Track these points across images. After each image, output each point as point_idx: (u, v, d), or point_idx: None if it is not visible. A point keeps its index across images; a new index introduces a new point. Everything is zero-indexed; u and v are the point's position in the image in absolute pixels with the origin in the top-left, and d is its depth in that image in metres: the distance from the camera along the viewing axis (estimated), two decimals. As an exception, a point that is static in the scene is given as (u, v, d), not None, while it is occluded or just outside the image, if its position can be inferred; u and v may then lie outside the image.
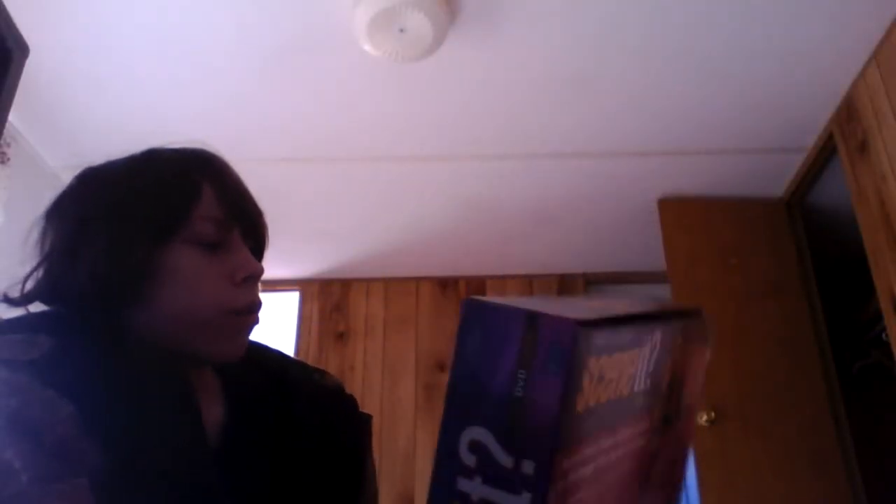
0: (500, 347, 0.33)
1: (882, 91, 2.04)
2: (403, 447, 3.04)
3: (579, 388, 0.33)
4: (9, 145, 2.23)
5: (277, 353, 0.85)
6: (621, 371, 0.37)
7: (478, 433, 0.33)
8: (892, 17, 1.95)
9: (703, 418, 2.42)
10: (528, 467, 0.32)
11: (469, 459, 0.33)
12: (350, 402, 0.84)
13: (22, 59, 1.59)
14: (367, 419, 0.83)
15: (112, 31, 1.98)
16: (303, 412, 0.78)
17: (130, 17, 1.93)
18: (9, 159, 2.22)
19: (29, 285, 0.72)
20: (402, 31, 1.88)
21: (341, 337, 3.28)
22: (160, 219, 0.70)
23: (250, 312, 0.73)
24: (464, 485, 0.34)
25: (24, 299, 0.72)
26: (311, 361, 3.19)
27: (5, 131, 1.84)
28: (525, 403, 0.32)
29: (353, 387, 3.17)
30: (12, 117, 2.00)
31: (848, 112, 2.24)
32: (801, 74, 2.17)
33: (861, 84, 2.15)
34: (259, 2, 1.89)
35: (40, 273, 0.72)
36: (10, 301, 0.72)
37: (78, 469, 0.57)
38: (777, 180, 2.70)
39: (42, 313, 0.71)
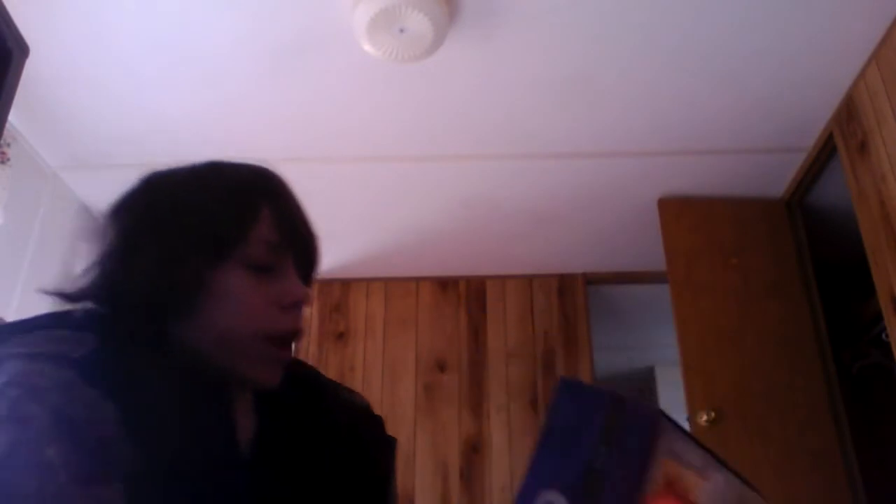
0: (587, 423, 0.36)
1: (882, 91, 2.04)
2: (403, 447, 3.04)
3: (653, 477, 0.35)
4: (9, 145, 2.23)
5: (312, 369, 0.86)
6: (687, 488, 0.39)
7: (553, 497, 0.35)
8: (892, 17, 1.95)
9: (702, 418, 2.42)
10: None
11: None
12: (379, 422, 0.85)
13: (22, 59, 1.59)
14: (393, 441, 0.84)
15: (112, 32, 1.98)
16: (334, 428, 0.78)
17: (130, 18, 1.93)
18: (9, 159, 2.22)
19: (83, 282, 0.71)
20: (402, 31, 1.88)
21: (341, 337, 3.28)
22: (218, 237, 0.70)
23: (291, 339, 0.73)
24: None
25: (80, 296, 0.71)
26: (311, 361, 3.19)
27: (5, 131, 1.84)
28: (603, 476, 0.35)
29: (353, 387, 3.15)
30: (12, 117, 2.00)
31: (848, 112, 2.24)
32: (801, 74, 2.17)
33: (861, 84, 2.15)
34: (259, 2, 1.89)
35: (96, 272, 0.71)
36: (65, 296, 0.72)
37: (115, 473, 0.57)
38: (777, 180, 2.70)
39: (88, 312, 0.70)
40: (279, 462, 0.73)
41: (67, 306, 0.72)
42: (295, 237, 0.74)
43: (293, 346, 0.74)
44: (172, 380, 0.66)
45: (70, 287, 0.72)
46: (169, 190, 0.75)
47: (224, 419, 0.69)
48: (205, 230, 0.71)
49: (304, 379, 0.82)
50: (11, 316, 2.29)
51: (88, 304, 0.71)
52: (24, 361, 0.62)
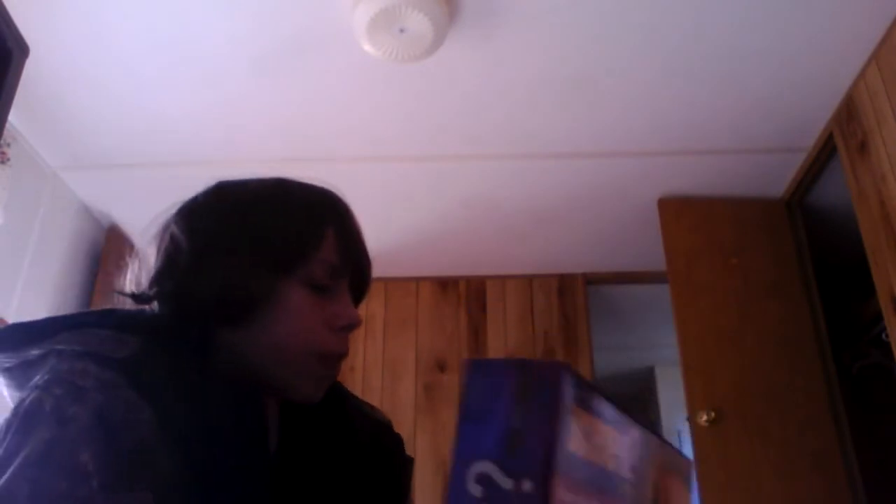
0: (499, 391, 0.39)
1: (882, 91, 2.04)
2: (403, 447, 3.04)
3: (569, 429, 0.38)
4: (9, 145, 2.23)
5: (336, 383, 0.87)
6: (605, 442, 0.43)
7: (483, 466, 0.37)
8: (892, 17, 1.95)
9: (703, 418, 2.42)
10: (527, 486, 0.36)
11: (476, 490, 0.37)
12: (399, 440, 0.86)
13: (22, 59, 1.59)
14: (412, 461, 0.86)
15: (112, 32, 1.98)
16: (358, 442, 0.80)
17: (130, 17, 1.93)
18: (9, 159, 2.22)
19: (153, 286, 0.73)
20: (402, 31, 1.88)
21: (341, 337, 3.28)
22: (284, 254, 0.73)
23: (339, 360, 0.75)
24: None
25: (149, 298, 0.73)
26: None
27: (5, 131, 1.84)
28: (522, 432, 0.37)
29: (353, 387, 3.15)
30: (12, 117, 2.00)
31: (848, 112, 2.24)
32: (801, 74, 2.17)
33: (861, 84, 2.14)
34: (259, 2, 1.89)
35: (165, 275, 0.73)
36: (139, 298, 0.74)
37: (147, 480, 0.58)
38: (777, 180, 2.70)
39: (129, 312, 0.72)
40: (303, 472, 0.74)
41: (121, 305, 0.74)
42: (353, 261, 0.76)
43: (339, 367, 0.76)
44: (212, 386, 0.67)
45: (139, 289, 0.74)
46: (241, 203, 0.77)
47: (260, 427, 0.70)
48: (274, 245, 0.73)
49: (330, 391, 0.83)
50: (11, 316, 2.29)
51: (152, 306, 0.73)
52: (69, 359, 0.63)
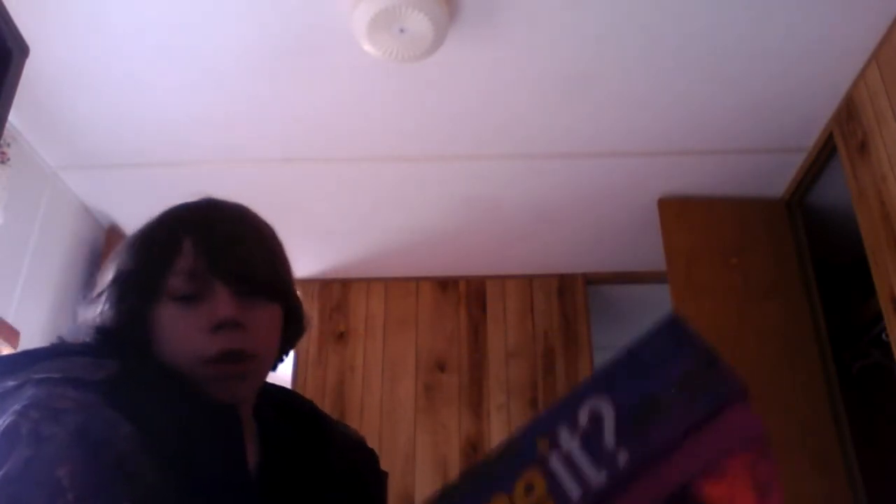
0: (672, 362, 0.35)
1: (882, 91, 2.04)
2: (403, 447, 3.04)
3: (712, 445, 0.34)
4: (9, 145, 2.23)
5: (309, 402, 0.89)
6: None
7: (604, 406, 0.34)
8: (893, 17, 1.95)
9: (703, 418, 2.42)
10: (622, 457, 0.33)
11: (583, 419, 0.34)
12: (374, 455, 0.88)
13: (22, 59, 1.59)
14: (386, 474, 0.87)
15: (112, 32, 1.98)
16: (333, 460, 0.81)
17: (131, 18, 1.93)
18: (9, 159, 2.22)
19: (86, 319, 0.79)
20: (402, 31, 1.88)
21: (341, 337, 3.27)
22: (147, 278, 0.75)
23: (225, 360, 0.73)
24: (563, 434, 0.35)
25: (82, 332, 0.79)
26: (311, 361, 3.20)
27: (5, 131, 1.84)
28: (661, 408, 0.34)
29: (353, 387, 3.17)
30: (12, 117, 2.00)
31: (848, 112, 2.24)
32: (801, 74, 2.17)
33: (861, 84, 2.14)
34: (259, 2, 1.89)
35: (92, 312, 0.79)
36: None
37: (126, 494, 0.59)
38: (777, 180, 2.70)
39: (106, 340, 0.76)
40: (283, 491, 0.76)
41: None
42: (221, 261, 0.75)
43: (243, 361, 0.75)
44: (190, 402, 0.70)
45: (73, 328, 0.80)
46: (123, 243, 0.82)
47: (237, 442, 0.71)
48: (138, 273, 0.77)
49: (302, 411, 0.86)
50: (11, 316, 2.29)
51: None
52: (47, 386, 0.65)
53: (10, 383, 0.67)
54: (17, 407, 0.62)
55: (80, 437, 0.60)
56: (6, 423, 0.61)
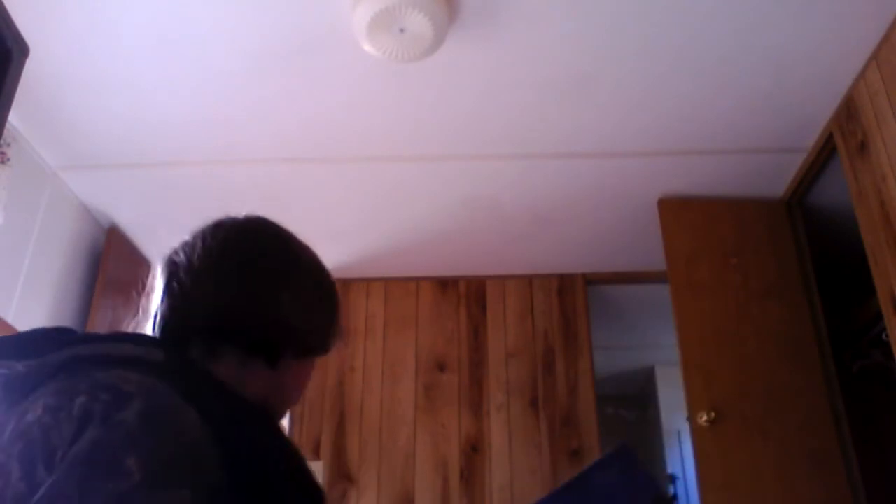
0: (627, 498, 0.37)
1: (882, 91, 2.04)
2: (403, 447, 3.04)
3: None
4: (9, 145, 2.23)
5: None
6: None
7: None
8: (893, 17, 1.95)
9: (703, 418, 2.42)
10: None
11: None
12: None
13: (22, 59, 1.59)
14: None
15: (112, 32, 1.98)
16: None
17: (130, 18, 1.93)
18: (9, 159, 2.22)
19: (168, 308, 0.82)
20: (402, 31, 1.88)
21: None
22: (333, 331, 0.94)
23: None
24: None
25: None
26: (311, 361, 3.19)
27: (5, 131, 1.84)
28: None
29: (353, 387, 3.17)
30: (12, 117, 2.00)
31: (848, 112, 2.24)
32: (801, 74, 2.17)
33: (861, 84, 2.14)
34: (259, 2, 1.88)
35: (195, 296, 0.82)
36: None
37: (187, 480, 0.60)
38: (777, 180, 2.70)
39: (148, 336, 0.80)
40: None
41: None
42: None
43: None
44: (235, 395, 0.73)
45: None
46: (289, 249, 0.92)
47: (287, 439, 0.76)
48: (331, 301, 0.94)
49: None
50: (11, 316, 2.29)
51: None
52: (105, 366, 0.67)
53: (53, 357, 0.69)
54: (83, 386, 0.64)
55: (148, 422, 0.61)
56: (80, 403, 0.62)
